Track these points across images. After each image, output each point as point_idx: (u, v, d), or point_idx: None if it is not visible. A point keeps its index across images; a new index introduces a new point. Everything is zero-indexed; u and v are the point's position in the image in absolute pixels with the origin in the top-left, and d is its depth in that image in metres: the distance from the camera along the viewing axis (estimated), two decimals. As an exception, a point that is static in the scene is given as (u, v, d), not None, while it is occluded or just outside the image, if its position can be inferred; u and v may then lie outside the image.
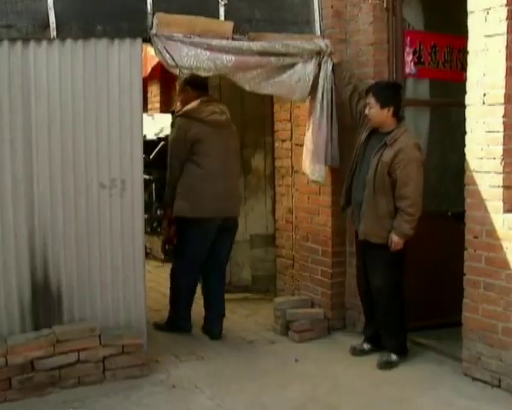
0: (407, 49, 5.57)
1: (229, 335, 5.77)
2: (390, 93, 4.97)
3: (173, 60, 4.75)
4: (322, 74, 5.30)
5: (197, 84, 5.58)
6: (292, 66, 5.25)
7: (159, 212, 7.12)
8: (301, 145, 5.64)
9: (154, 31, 4.66)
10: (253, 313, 6.43)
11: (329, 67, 5.32)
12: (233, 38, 5.00)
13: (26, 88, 4.42)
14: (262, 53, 5.06)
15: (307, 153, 5.46)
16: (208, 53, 4.85)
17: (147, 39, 4.73)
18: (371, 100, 4.92)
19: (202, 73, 4.98)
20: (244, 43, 4.99)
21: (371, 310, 5.21)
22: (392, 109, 4.91)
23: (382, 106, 4.89)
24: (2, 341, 4.37)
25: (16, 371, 4.34)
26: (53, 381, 4.46)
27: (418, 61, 5.64)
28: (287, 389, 4.57)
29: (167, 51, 4.72)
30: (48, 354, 4.42)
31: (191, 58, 4.81)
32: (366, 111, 4.97)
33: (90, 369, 4.58)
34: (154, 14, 4.68)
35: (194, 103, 5.55)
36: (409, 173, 4.79)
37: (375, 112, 4.91)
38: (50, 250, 4.56)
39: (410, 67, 5.61)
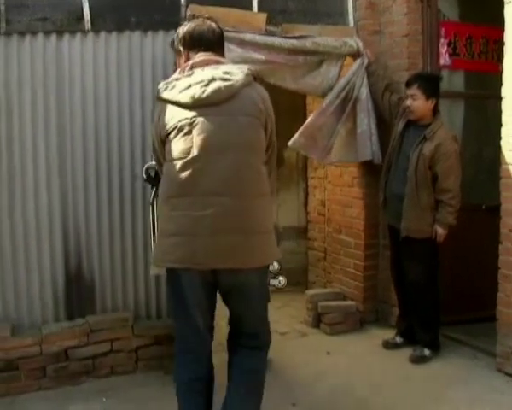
0: (442, 40, 5.50)
1: (260, 326, 5.77)
2: (434, 85, 4.93)
3: None
4: (354, 72, 5.27)
5: (194, 40, 3.27)
6: (317, 66, 5.24)
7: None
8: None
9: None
10: (284, 306, 6.42)
11: (363, 65, 5.28)
12: (266, 30, 4.99)
13: (61, 80, 4.45)
14: (291, 51, 5.03)
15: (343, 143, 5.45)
16: (240, 50, 4.83)
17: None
18: (416, 91, 4.87)
19: None
20: (275, 40, 4.95)
21: (405, 304, 5.18)
22: (434, 101, 4.88)
23: (427, 97, 4.85)
24: (36, 330, 4.43)
25: (51, 359, 4.40)
26: (86, 370, 4.51)
27: (453, 53, 5.58)
28: (318, 381, 4.56)
29: None
30: (82, 343, 4.47)
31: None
32: (408, 103, 4.91)
33: (123, 359, 4.62)
34: (187, 6, 4.68)
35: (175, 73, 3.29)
36: (450, 166, 4.77)
37: (420, 103, 4.87)
38: (84, 240, 4.60)
39: (444, 59, 5.55)
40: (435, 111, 4.95)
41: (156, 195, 3.89)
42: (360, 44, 5.27)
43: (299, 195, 7.07)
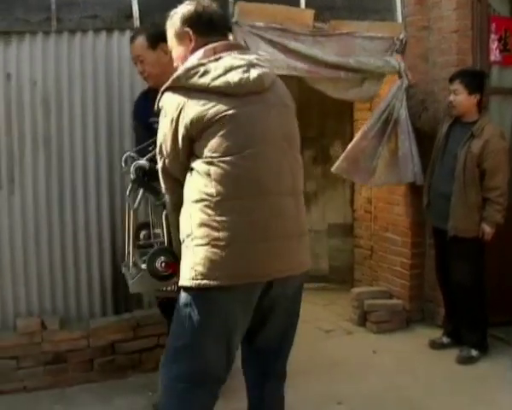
0: (492, 36, 5.41)
1: (306, 324, 5.74)
2: (478, 80, 4.87)
3: None
4: (394, 94, 5.25)
5: (204, 22, 2.82)
6: (359, 83, 5.24)
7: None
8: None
9: (235, 19, 4.68)
10: (330, 303, 6.39)
11: (402, 87, 5.25)
12: (314, 27, 4.97)
13: (110, 77, 4.50)
14: (334, 66, 5.02)
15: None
16: (283, 56, 4.84)
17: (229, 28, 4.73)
18: (458, 86, 4.83)
19: (275, 70, 4.91)
20: (319, 54, 4.93)
21: (451, 304, 5.12)
22: (478, 97, 4.83)
23: (470, 92, 4.81)
24: (84, 323, 4.50)
25: (98, 353, 4.46)
26: (132, 364, 4.56)
27: (504, 49, 5.48)
28: (364, 380, 4.53)
29: (245, 43, 4.72)
30: (128, 337, 4.52)
31: (267, 55, 4.79)
32: (451, 98, 4.87)
33: (170, 354, 4.65)
34: (235, 3, 4.69)
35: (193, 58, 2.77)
36: (498, 164, 4.71)
37: (462, 98, 4.83)
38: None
39: (494, 55, 5.46)
40: (480, 107, 4.89)
41: (145, 197, 3.42)
42: (402, 65, 5.23)
43: (346, 192, 7.02)
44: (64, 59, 4.37)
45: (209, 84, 2.57)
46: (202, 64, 2.62)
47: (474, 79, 4.86)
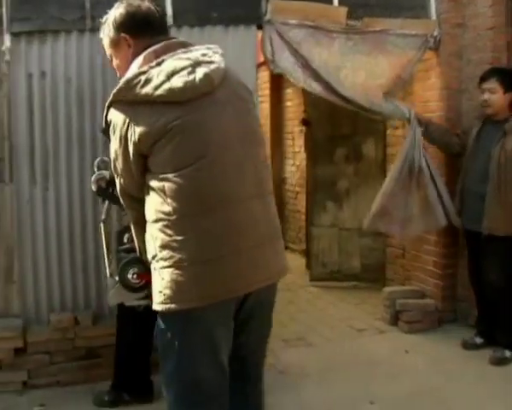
0: (527, 33, 5.35)
1: (338, 323, 5.75)
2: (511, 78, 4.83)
3: (273, 55, 4.75)
4: (409, 144, 5.19)
5: (139, 23, 2.56)
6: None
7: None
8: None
9: (268, 17, 4.67)
10: (361, 302, 6.37)
11: (415, 135, 5.18)
12: (347, 25, 4.95)
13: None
14: (350, 101, 5.02)
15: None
16: (301, 71, 4.85)
17: (260, 26, 4.74)
18: (494, 85, 4.79)
19: (292, 79, 4.95)
20: (339, 87, 4.92)
21: (485, 304, 5.06)
22: (511, 95, 4.78)
23: (505, 91, 4.78)
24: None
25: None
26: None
27: (539, 46, 5.41)
28: (396, 380, 4.50)
29: (271, 45, 4.72)
30: (160, 334, 4.53)
31: (288, 64, 4.82)
32: (485, 97, 4.81)
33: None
34: (268, 0, 4.69)
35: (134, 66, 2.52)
36: None
37: (498, 97, 4.79)
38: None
39: (529, 52, 5.38)
40: (511, 106, 4.85)
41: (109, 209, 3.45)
42: (412, 113, 5.19)
43: (378, 191, 6.97)
44: (98, 57, 4.40)
45: (152, 94, 2.32)
46: (143, 72, 2.37)
47: (509, 78, 4.82)
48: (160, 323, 2.45)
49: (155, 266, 2.42)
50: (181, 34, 4.52)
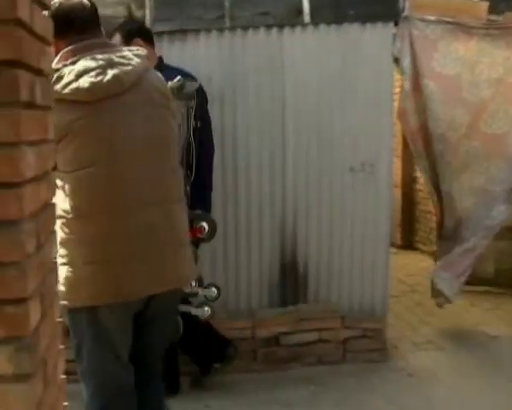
0: None
1: (470, 328, 5.59)
2: None
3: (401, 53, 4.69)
4: None
5: (62, 21, 2.46)
6: None
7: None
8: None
9: (406, 13, 4.60)
10: (494, 308, 6.14)
11: None
12: (487, 20, 4.80)
13: (281, 73, 4.56)
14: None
15: None
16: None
17: (397, 23, 4.66)
18: None
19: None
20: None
21: None
22: None
23: None
24: (250, 314, 4.60)
25: (261, 344, 4.57)
26: (295, 357, 4.61)
27: None
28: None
29: (412, 47, 4.65)
30: (291, 330, 4.57)
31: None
32: None
33: (331, 349, 4.67)
34: (407, -3, 4.62)
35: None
36: None
37: None
38: (300, 231, 4.66)
39: None
40: None
41: None
42: None
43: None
44: (238, 55, 4.48)
45: (60, 92, 2.35)
46: (56, 70, 2.39)
47: None
48: (67, 320, 2.50)
49: (58, 262, 2.42)
50: (318, 33, 4.54)
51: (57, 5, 2.51)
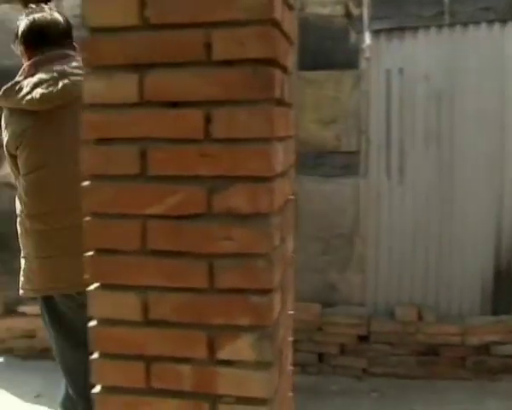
0: None
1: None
2: None
3: None
4: None
5: (35, 36, 2.72)
6: None
7: None
8: None
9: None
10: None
11: None
12: None
13: (502, 71, 4.38)
14: None
15: None
16: None
17: None
18: None
19: None
20: None
21: None
22: None
23: None
24: (460, 320, 4.48)
25: (471, 351, 4.42)
26: (505, 368, 4.42)
27: None
28: None
29: None
30: (503, 340, 4.39)
31: None
32: None
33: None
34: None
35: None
36: None
37: None
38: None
39: None
40: None
41: None
42: None
43: None
44: (457, 53, 4.37)
45: (19, 102, 2.57)
46: (17, 82, 2.62)
47: None
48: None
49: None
50: None
51: (33, 20, 2.71)
